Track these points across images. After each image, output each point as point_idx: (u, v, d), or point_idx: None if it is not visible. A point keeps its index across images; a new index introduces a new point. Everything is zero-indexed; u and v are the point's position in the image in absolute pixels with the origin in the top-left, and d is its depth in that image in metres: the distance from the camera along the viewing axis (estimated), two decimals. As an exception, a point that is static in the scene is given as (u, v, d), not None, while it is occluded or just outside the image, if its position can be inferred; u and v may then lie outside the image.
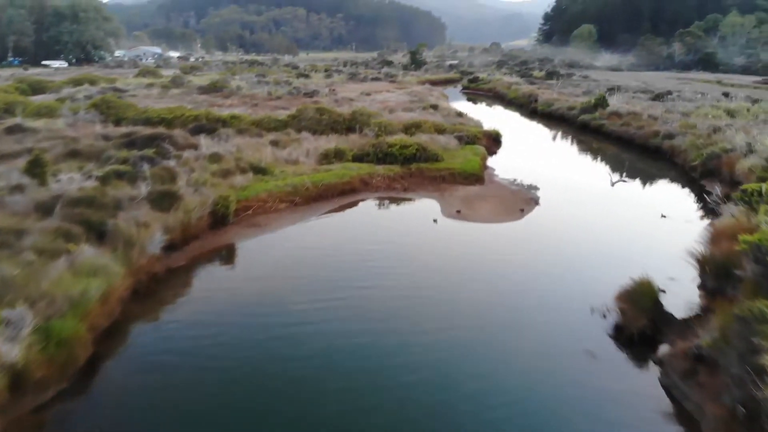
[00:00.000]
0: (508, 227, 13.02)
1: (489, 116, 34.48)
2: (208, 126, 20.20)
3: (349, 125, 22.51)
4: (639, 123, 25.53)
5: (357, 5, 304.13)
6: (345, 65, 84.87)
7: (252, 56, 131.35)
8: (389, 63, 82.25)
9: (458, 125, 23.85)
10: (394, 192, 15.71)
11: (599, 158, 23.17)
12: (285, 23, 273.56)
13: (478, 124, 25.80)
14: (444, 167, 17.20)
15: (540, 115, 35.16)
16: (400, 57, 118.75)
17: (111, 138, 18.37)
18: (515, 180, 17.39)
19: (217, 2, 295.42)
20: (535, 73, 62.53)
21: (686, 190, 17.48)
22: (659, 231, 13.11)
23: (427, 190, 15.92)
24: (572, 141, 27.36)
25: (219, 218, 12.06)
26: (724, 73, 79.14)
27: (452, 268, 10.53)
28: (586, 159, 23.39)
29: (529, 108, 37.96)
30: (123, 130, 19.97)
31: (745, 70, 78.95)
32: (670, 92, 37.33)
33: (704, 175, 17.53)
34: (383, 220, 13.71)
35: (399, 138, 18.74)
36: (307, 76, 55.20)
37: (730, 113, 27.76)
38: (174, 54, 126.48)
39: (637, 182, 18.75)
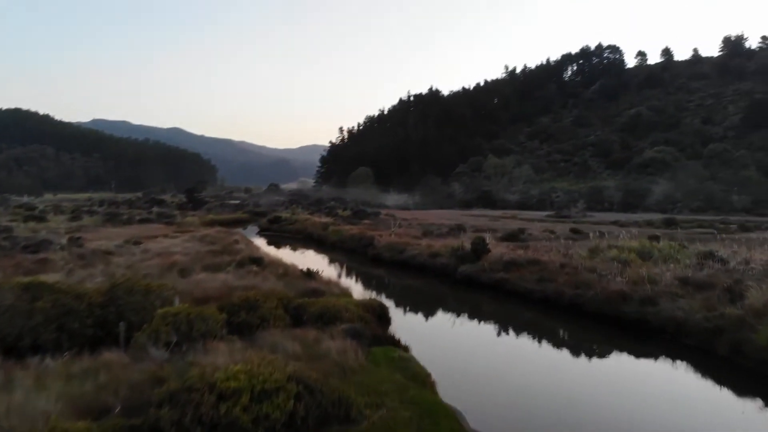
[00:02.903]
0: None
1: (318, 268, 24.66)
2: None
3: (101, 319, 10.35)
4: (566, 278, 17.66)
5: (118, 145, 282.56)
6: (102, 204, 68.99)
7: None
8: (160, 202, 68.88)
9: (326, 299, 13.08)
10: None
11: (556, 342, 14.22)
12: (29, 162, 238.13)
13: (346, 292, 15.42)
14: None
15: (387, 264, 26.19)
16: (170, 197, 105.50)
17: None
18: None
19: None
20: (340, 212, 55.36)
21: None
22: None
23: None
24: (472, 308, 18.40)
25: None
26: (503, 208, 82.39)
27: None
28: (531, 342, 14.24)
29: (367, 254, 28.96)
30: None
31: (521, 205, 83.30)
32: (522, 230, 31.80)
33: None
34: None
35: (240, 367, 7.21)
36: (41, 219, 39.66)
37: (641, 255, 21.93)
38: None
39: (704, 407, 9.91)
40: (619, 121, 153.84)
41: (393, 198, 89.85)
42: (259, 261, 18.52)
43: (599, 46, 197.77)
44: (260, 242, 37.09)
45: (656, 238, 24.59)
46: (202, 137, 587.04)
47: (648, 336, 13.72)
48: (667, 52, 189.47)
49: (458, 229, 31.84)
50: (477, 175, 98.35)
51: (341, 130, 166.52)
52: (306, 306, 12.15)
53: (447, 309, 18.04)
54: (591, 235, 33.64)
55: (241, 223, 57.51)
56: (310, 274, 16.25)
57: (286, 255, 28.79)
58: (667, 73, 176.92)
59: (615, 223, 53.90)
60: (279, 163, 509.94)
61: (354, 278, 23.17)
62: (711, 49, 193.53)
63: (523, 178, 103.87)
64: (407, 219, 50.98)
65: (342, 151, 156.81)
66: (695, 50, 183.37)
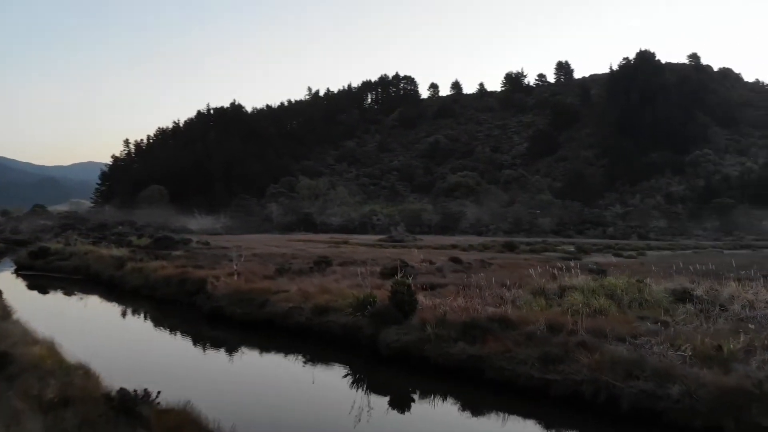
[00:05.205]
0: None
1: (118, 345, 14.53)
2: None
3: None
4: (588, 357, 10.47)
5: None
6: None
7: None
8: None
9: None
10: None
11: None
12: None
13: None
14: None
15: (238, 324, 16.73)
16: None
17: None
18: None
19: None
20: (135, 239, 42.83)
21: None
22: None
23: None
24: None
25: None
26: (325, 232, 75.79)
27: None
28: None
29: (197, 308, 18.99)
30: None
31: (344, 229, 77.52)
32: (404, 263, 24.56)
33: None
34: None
35: None
36: None
37: (615, 297, 16.04)
38: None
39: None
40: (419, 148, 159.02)
41: (197, 221, 77.18)
42: (2, 360, 8.24)
43: (396, 76, 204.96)
44: (17, 289, 24.52)
45: (602, 272, 19.06)
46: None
47: None
48: (456, 86, 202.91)
49: (323, 263, 23.45)
50: (295, 196, 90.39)
51: (127, 142, 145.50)
52: None
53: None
54: (472, 264, 28.13)
55: (-13, 256, 41.89)
56: (127, 407, 6.64)
57: (60, 316, 17.60)
58: (458, 105, 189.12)
59: (455, 246, 50.26)
60: (46, 182, 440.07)
61: (202, 369, 13.40)
62: (494, 84, 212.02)
63: (338, 200, 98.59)
64: (227, 247, 40.96)
65: (128, 166, 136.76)
66: (481, 84, 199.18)
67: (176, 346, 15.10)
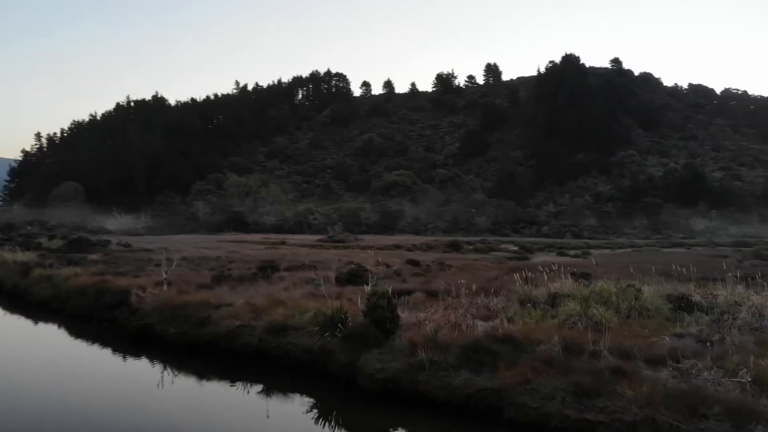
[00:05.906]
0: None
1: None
2: None
3: None
4: (631, 388, 8.40)
5: None
6: None
7: None
8: None
9: None
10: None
11: None
12: None
13: None
14: None
15: (172, 345, 13.68)
16: None
17: None
18: None
19: None
20: (45, 241, 37.97)
21: None
22: None
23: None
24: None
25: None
26: (258, 232, 71.99)
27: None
28: None
29: (119, 324, 15.70)
30: None
31: (278, 229, 73.86)
32: (361, 267, 22.06)
33: None
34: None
35: None
36: None
37: (610, 304, 14.25)
38: None
39: None
40: (353, 146, 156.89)
41: (117, 221, 71.24)
42: None
43: (328, 73, 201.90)
44: None
45: (585, 276, 17.34)
46: None
47: None
48: (389, 85, 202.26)
49: (269, 268, 20.58)
50: (224, 194, 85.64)
51: (38, 136, 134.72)
52: None
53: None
54: (430, 266, 26.09)
55: None
56: None
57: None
58: (390, 104, 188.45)
59: (398, 246, 48.49)
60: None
61: (130, 413, 10.29)
62: (426, 84, 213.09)
63: (270, 198, 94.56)
64: (151, 250, 37.06)
65: (40, 162, 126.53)
66: (413, 84, 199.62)
67: (93, 379, 11.94)
